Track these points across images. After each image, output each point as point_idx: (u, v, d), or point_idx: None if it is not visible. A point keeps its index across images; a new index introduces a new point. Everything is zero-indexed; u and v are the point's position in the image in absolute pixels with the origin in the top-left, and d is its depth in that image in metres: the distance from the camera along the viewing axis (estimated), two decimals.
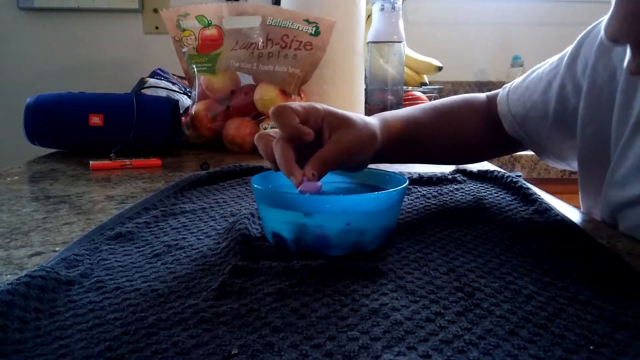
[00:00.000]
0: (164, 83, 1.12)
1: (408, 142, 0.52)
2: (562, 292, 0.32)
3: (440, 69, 1.43)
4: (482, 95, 0.62)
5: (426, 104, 0.58)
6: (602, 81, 0.49)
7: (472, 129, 0.59)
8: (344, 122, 0.43)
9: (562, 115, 0.53)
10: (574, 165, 0.56)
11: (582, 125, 0.51)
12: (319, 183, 0.39)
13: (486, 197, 0.56)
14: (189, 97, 1.06)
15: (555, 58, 0.56)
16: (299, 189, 0.38)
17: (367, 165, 0.48)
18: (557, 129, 0.55)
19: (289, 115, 0.39)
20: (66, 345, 0.26)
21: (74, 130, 0.84)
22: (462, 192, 0.58)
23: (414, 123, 0.53)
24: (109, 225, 0.45)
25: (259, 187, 0.39)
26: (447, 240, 0.42)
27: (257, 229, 0.43)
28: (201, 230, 0.45)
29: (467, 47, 1.82)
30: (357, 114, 0.46)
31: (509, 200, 0.54)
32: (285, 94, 0.87)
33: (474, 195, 0.56)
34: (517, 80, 0.60)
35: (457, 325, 0.28)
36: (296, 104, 0.42)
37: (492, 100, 0.61)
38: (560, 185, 0.60)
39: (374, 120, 0.48)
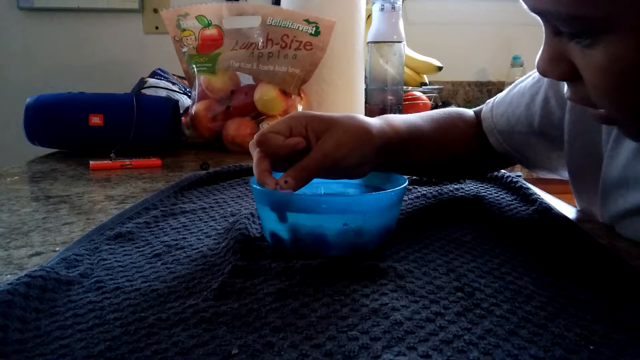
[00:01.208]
0: (164, 83, 1.12)
1: (411, 146, 0.51)
2: (562, 292, 0.32)
3: (440, 69, 1.43)
4: (470, 111, 0.61)
5: (423, 113, 0.57)
6: None
7: (467, 144, 0.58)
8: (328, 126, 0.41)
9: (547, 129, 0.53)
10: (564, 175, 0.56)
11: (569, 140, 0.51)
12: (292, 192, 0.38)
13: (486, 197, 0.56)
14: (189, 97, 1.06)
15: (536, 72, 0.55)
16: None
17: (370, 168, 0.45)
18: (543, 142, 0.54)
19: (273, 139, 0.39)
20: (66, 345, 0.26)
21: (74, 130, 0.84)
22: (462, 192, 0.58)
23: (416, 128, 0.52)
24: (109, 225, 0.45)
25: (258, 187, 0.39)
26: (446, 240, 0.42)
27: (256, 229, 0.43)
28: (201, 230, 0.45)
29: (467, 47, 1.82)
30: (349, 114, 0.44)
31: (509, 200, 0.54)
32: (285, 94, 0.87)
33: (474, 195, 0.56)
34: (500, 95, 0.59)
35: (457, 325, 0.28)
36: (277, 122, 0.41)
37: (479, 116, 0.60)
38: (560, 185, 0.60)
39: (373, 120, 0.46)
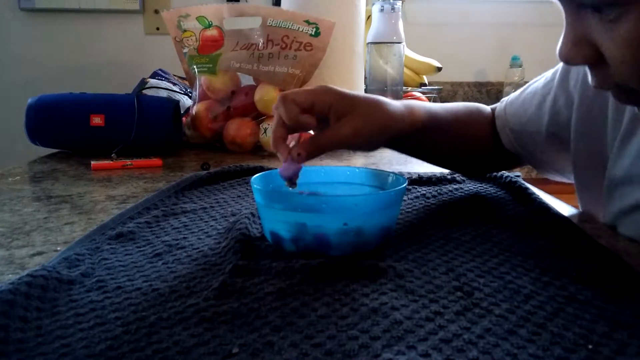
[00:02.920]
0: (164, 83, 1.12)
1: (428, 133, 0.51)
2: (560, 291, 0.32)
3: (439, 69, 1.43)
4: (488, 108, 0.62)
5: (445, 105, 0.57)
6: (593, 94, 0.49)
7: (482, 140, 0.58)
8: (351, 109, 0.42)
9: (555, 129, 0.53)
10: (571, 178, 0.56)
11: (575, 139, 0.51)
12: (300, 165, 0.40)
13: (485, 197, 0.56)
14: (190, 97, 1.06)
15: (549, 72, 0.55)
16: (279, 169, 0.40)
17: (382, 145, 0.48)
18: (551, 142, 0.55)
19: (289, 108, 0.41)
20: (67, 345, 0.26)
21: (76, 130, 0.84)
22: (461, 192, 0.58)
23: (436, 117, 0.52)
24: (110, 225, 0.45)
25: (259, 187, 0.39)
26: (446, 240, 0.42)
27: (257, 229, 0.44)
28: (202, 229, 0.45)
29: (466, 48, 1.82)
30: (375, 99, 0.44)
31: (508, 200, 0.55)
32: None
33: (473, 195, 0.57)
34: (514, 94, 0.59)
35: (457, 324, 0.28)
36: (302, 91, 0.42)
37: (494, 114, 0.61)
38: (559, 185, 0.61)
39: (396, 106, 0.47)
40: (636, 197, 0.43)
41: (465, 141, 0.57)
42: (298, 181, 0.42)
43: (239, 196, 0.57)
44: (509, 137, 0.57)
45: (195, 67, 0.92)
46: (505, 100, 0.60)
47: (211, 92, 0.91)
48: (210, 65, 0.91)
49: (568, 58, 0.35)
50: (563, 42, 0.35)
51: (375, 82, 1.01)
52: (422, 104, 0.52)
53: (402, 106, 0.48)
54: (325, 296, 0.31)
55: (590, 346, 0.26)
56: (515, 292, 0.32)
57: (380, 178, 0.46)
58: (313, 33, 0.87)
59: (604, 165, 0.48)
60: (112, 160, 0.77)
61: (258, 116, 0.89)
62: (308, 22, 0.87)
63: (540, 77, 0.57)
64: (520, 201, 0.54)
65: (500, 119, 0.58)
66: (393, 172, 0.46)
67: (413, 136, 0.49)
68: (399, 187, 0.40)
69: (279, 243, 0.39)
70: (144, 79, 1.11)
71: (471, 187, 0.60)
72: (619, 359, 0.25)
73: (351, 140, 0.41)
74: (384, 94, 1.00)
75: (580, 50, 0.34)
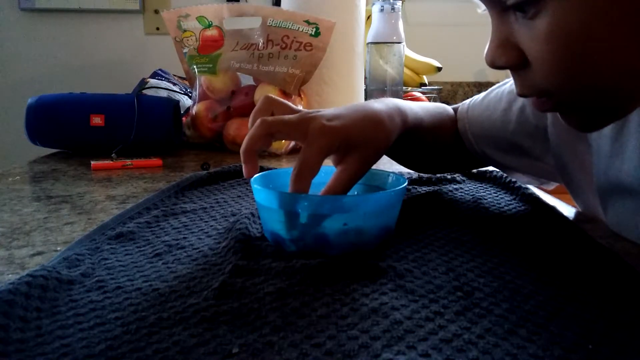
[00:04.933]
0: (164, 83, 1.12)
1: (410, 138, 0.51)
2: (560, 291, 0.32)
3: (439, 69, 1.43)
4: (450, 109, 0.61)
5: (423, 105, 0.57)
6: None
7: (446, 141, 0.58)
8: (355, 143, 0.41)
9: (520, 137, 0.53)
10: (532, 182, 0.57)
11: (555, 155, 0.51)
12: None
13: (485, 197, 0.56)
14: (190, 97, 1.06)
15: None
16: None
17: None
18: (514, 148, 0.54)
19: (307, 181, 0.39)
20: (67, 345, 0.26)
21: (76, 130, 0.85)
22: (461, 192, 0.58)
23: (420, 119, 0.52)
24: (110, 225, 0.45)
25: (258, 187, 0.39)
26: (446, 240, 0.42)
27: (257, 229, 0.44)
28: (202, 229, 0.45)
29: (466, 48, 1.82)
30: (372, 112, 0.43)
31: (508, 200, 0.55)
32: (286, 94, 0.87)
33: (473, 195, 0.57)
34: (477, 98, 0.59)
35: (457, 324, 0.28)
36: (315, 153, 0.39)
37: (456, 115, 0.60)
38: (560, 185, 0.61)
39: (392, 116, 0.45)
40: (629, 205, 0.43)
41: (435, 143, 0.57)
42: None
43: (239, 196, 0.57)
44: (471, 139, 0.57)
45: (195, 67, 0.92)
46: (467, 103, 0.60)
47: (211, 92, 0.91)
48: (210, 65, 0.91)
49: (493, 60, 0.36)
50: (489, 45, 0.36)
51: (375, 82, 1.01)
52: (410, 105, 0.52)
53: (395, 110, 0.47)
54: (325, 296, 0.31)
55: (590, 346, 0.26)
56: (515, 292, 0.32)
57: (380, 178, 0.46)
58: (313, 33, 0.87)
59: (590, 176, 0.48)
60: (112, 160, 0.77)
61: None
62: (308, 22, 0.87)
63: (503, 82, 0.57)
64: (520, 201, 0.54)
65: (462, 121, 0.58)
66: (393, 172, 0.46)
67: (397, 141, 0.48)
68: (399, 187, 0.40)
69: (279, 243, 0.39)
70: (144, 79, 1.12)
71: (471, 187, 0.60)
72: (619, 359, 0.25)
73: (363, 170, 0.42)
74: (384, 94, 1.00)
75: (504, 52, 0.35)
